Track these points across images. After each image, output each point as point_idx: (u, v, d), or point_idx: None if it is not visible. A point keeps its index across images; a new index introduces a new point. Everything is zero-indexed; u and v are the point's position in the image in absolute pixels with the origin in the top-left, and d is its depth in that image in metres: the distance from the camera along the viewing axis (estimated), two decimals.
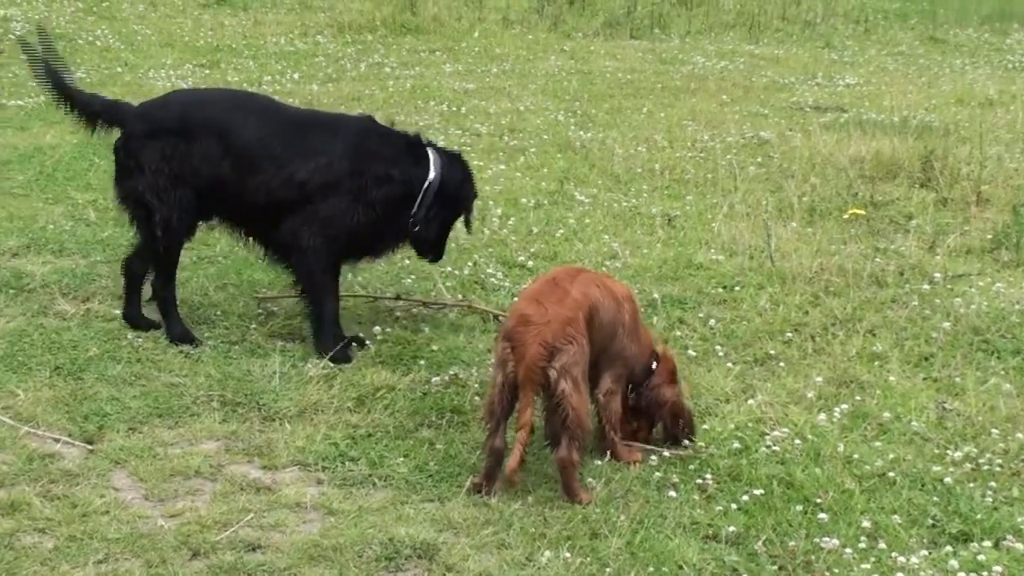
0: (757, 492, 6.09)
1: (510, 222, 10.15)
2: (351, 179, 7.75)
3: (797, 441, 6.59)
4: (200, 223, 8.03)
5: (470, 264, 9.13)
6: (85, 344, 7.62)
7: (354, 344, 7.80)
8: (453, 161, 8.15)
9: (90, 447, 6.46)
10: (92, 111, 8.03)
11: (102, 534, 5.64)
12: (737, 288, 8.80)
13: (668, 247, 9.64)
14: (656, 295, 8.57)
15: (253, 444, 6.58)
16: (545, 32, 19.13)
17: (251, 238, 8.06)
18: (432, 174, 7.96)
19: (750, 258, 9.38)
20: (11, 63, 15.12)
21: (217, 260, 9.10)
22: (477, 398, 7.05)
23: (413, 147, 8.04)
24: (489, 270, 9.04)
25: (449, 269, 8.97)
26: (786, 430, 6.70)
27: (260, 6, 20.22)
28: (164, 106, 8.02)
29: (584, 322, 6.14)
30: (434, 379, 7.32)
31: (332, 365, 7.44)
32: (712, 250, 9.55)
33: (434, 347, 7.73)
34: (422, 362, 7.54)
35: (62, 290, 8.38)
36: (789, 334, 8.05)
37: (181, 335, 7.80)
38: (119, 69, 15.76)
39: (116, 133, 7.96)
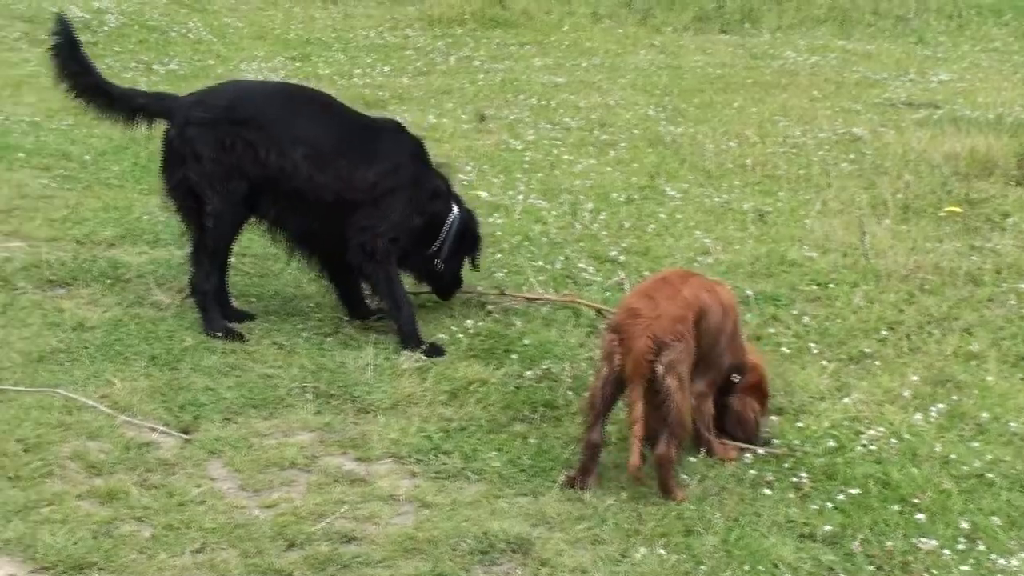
0: (853, 491, 6.03)
1: (601, 217, 10.12)
2: (413, 187, 7.87)
3: (893, 440, 6.52)
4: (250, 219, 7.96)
5: (562, 259, 9.11)
6: (180, 334, 7.67)
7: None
8: (462, 203, 8.23)
9: (186, 437, 6.51)
10: (134, 105, 7.98)
11: (199, 523, 5.68)
12: (831, 285, 8.73)
13: (760, 243, 9.59)
14: (749, 292, 8.51)
15: (347, 436, 6.60)
16: (635, 26, 19.07)
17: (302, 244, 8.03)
18: (455, 211, 8.07)
19: (844, 255, 9.30)
20: (105, 55, 15.24)
21: None
22: (570, 393, 7.05)
23: (441, 178, 8.14)
24: (580, 264, 9.02)
25: (540, 264, 8.96)
26: (882, 429, 6.64)
27: None
28: (222, 94, 7.97)
29: (692, 323, 6.11)
30: (527, 373, 7.31)
31: (425, 359, 7.44)
32: (805, 247, 9.49)
33: (526, 341, 7.72)
34: (514, 356, 7.53)
35: (157, 280, 8.45)
36: (884, 332, 7.97)
37: (223, 329, 7.73)
38: (211, 61, 15.87)
39: (159, 126, 7.92)
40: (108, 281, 8.42)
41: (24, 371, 7.07)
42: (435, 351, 7.59)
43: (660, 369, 5.95)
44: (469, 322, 7.98)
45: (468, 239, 8.18)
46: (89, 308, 8.00)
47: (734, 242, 9.62)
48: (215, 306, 7.83)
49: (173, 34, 17.45)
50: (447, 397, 7.03)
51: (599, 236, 9.68)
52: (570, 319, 8.09)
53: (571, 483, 6.11)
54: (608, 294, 8.44)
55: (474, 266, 8.34)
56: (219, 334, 7.66)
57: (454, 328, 7.90)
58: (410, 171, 7.88)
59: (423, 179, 7.95)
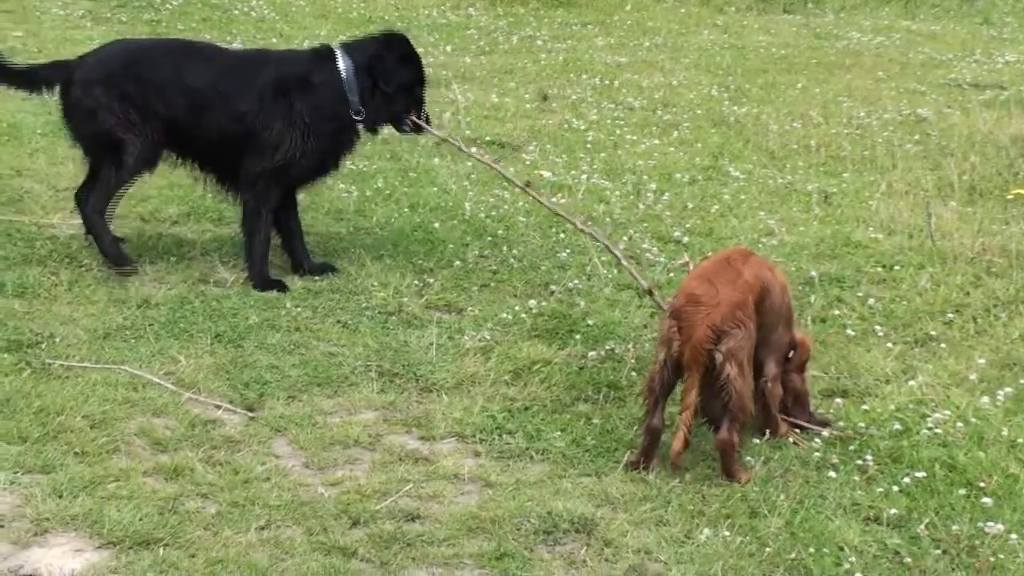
0: (919, 475, 5.99)
1: (664, 197, 10.09)
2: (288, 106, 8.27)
3: (959, 424, 6.47)
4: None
5: (625, 239, 9.08)
6: (245, 312, 7.70)
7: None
8: (353, 50, 8.43)
9: (251, 414, 6.53)
10: (33, 76, 8.50)
11: (264, 500, 5.70)
12: (896, 267, 8.67)
13: (825, 225, 9.54)
14: (813, 273, 8.47)
15: (411, 415, 6.61)
16: (697, 6, 19.01)
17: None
18: (341, 65, 8.31)
19: (909, 237, 9.24)
20: (168, 32, 15.30)
21: (374, 231, 9.13)
22: (633, 374, 7.03)
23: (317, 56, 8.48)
24: (644, 245, 8.99)
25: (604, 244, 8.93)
26: (948, 412, 6.58)
27: None
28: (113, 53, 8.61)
29: (753, 305, 6.07)
30: (590, 354, 7.30)
31: (488, 338, 7.44)
32: (870, 228, 9.42)
33: (590, 322, 7.71)
34: (578, 336, 7.52)
35: (221, 258, 8.48)
36: (950, 315, 7.92)
37: (116, 254, 8.23)
38: (274, 40, 15.87)
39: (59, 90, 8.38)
40: (172, 259, 8.46)
41: (90, 348, 7.11)
42: (276, 285, 8.11)
43: (719, 357, 5.92)
44: (532, 302, 7.97)
45: (382, 76, 8.33)
46: (154, 285, 8.04)
47: (798, 223, 9.57)
48: (109, 234, 8.29)
49: (236, 12, 17.49)
50: (511, 377, 7.03)
51: (662, 217, 9.65)
52: (634, 299, 8.07)
53: (634, 466, 6.10)
54: (671, 275, 8.42)
55: (416, 101, 8.50)
56: (115, 262, 8.18)
57: (517, 308, 7.89)
58: (275, 91, 8.26)
59: (295, 88, 8.28)
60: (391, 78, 8.32)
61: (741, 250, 6.52)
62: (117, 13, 16.46)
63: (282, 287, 8.11)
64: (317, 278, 8.25)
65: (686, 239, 9.15)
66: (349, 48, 8.43)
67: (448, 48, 15.78)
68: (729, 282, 6.07)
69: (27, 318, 7.43)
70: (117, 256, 8.19)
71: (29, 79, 8.49)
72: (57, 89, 8.37)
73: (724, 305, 5.96)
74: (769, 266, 6.44)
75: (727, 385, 5.93)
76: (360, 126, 8.40)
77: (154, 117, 8.19)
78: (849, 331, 7.70)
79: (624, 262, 7.61)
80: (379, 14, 17.75)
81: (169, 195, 9.64)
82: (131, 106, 8.15)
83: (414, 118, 8.45)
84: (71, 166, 10.11)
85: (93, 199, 8.25)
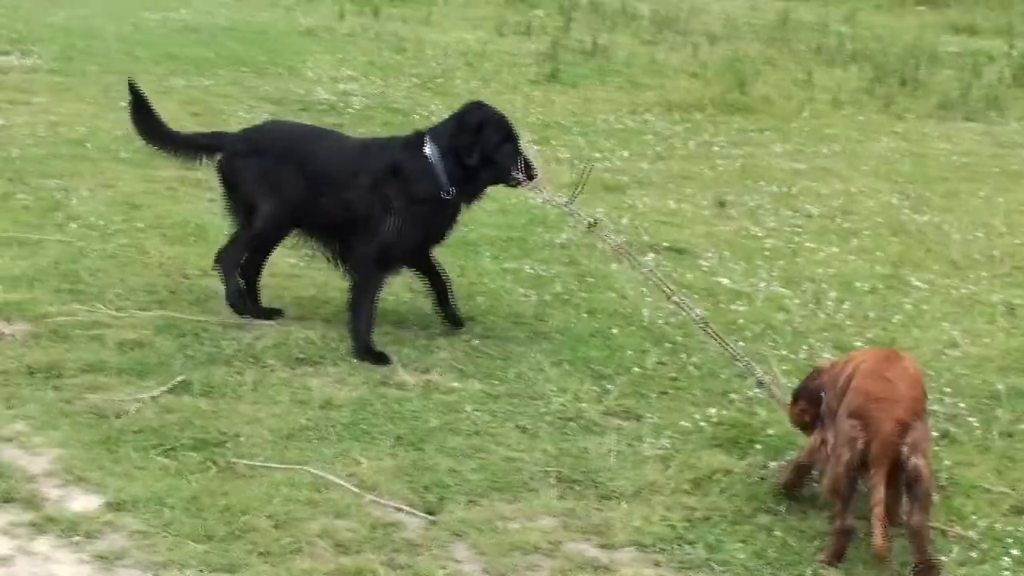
0: None
1: (844, 306, 10.00)
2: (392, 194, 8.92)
3: None
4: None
5: (805, 348, 9.01)
6: (425, 415, 7.76)
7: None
8: (435, 134, 9.07)
9: (431, 518, 6.55)
10: (194, 144, 9.52)
11: None
12: None
13: (1011, 337, 9.38)
14: (1000, 386, 8.33)
15: (590, 522, 6.59)
16: (876, 113, 18.84)
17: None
18: (428, 151, 8.90)
19: None
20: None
21: (552, 336, 9.15)
22: (815, 485, 6.94)
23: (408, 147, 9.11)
24: (825, 355, 8.89)
25: (784, 353, 8.89)
26: None
27: (590, 84, 20.38)
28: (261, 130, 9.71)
29: (924, 399, 6.29)
30: (771, 464, 7.23)
31: (668, 446, 7.41)
32: None
33: (770, 431, 7.64)
34: (758, 446, 7.46)
35: (402, 360, 8.56)
36: None
37: (236, 302, 9.13)
38: None
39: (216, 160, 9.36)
40: (354, 360, 8.55)
41: (274, 448, 7.21)
42: (380, 357, 8.59)
43: (906, 451, 6.02)
44: (712, 410, 7.93)
45: (464, 151, 8.88)
46: (336, 387, 8.13)
47: (983, 335, 9.43)
48: (236, 280, 9.21)
49: (416, 116, 17.71)
50: (690, 486, 6.99)
51: (843, 326, 9.56)
52: None
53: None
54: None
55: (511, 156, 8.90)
56: (232, 305, 9.12)
57: (696, 416, 7.85)
58: (374, 180, 8.93)
59: (390, 177, 8.93)
60: (471, 150, 8.86)
61: (889, 351, 6.77)
62: (300, 116, 16.78)
63: (386, 359, 8.56)
64: (496, 382, 8.29)
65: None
66: (435, 133, 9.06)
67: (625, 153, 15.81)
68: (902, 378, 6.23)
69: (213, 417, 7.56)
70: (237, 303, 9.16)
71: (191, 146, 9.53)
72: (215, 157, 9.38)
73: (905, 400, 6.12)
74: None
75: (917, 477, 6.01)
76: (455, 200, 8.98)
77: (285, 191, 9.03)
78: None
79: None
80: (556, 119, 17.88)
81: None
82: (268, 177, 9.06)
83: (514, 173, 8.87)
84: None
85: (228, 252, 9.26)
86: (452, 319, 9.17)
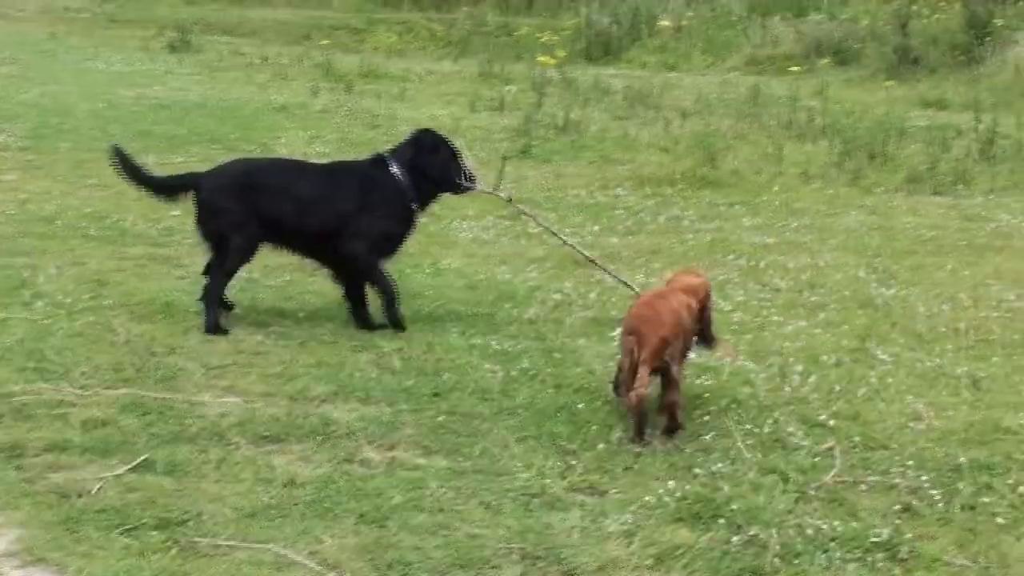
0: None
1: (810, 379, 10.03)
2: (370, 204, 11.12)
3: None
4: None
5: (770, 422, 9.04)
6: (389, 492, 7.76)
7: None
8: (399, 155, 11.19)
9: None
10: (170, 185, 11.09)
11: None
12: None
13: (975, 410, 9.41)
14: (962, 459, 8.36)
15: None
16: (845, 186, 18.95)
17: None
18: (393, 171, 11.02)
19: None
20: None
21: (518, 412, 9.18)
22: (777, 560, 6.97)
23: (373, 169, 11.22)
24: (789, 429, 8.93)
25: (748, 427, 8.91)
26: None
27: (562, 159, 20.53)
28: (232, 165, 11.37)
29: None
30: (734, 539, 7.25)
31: (631, 521, 7.43)
32: (1021, 414, 9.28)
33: (733, 506, 7.65)
34: (721, 521, 7.47)
35: (367, 437, 8.57)
36: None
37: (215, 330, 10.53)
38: (424, 220, 16.12)
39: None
40: (319, 437, 8.56)
41: (237, 527, 7.21)
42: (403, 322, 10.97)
43: (667, 358, 8.64)
44: (672, 483, 7.95)
45: (420, 172, 11.13)
46: (300, 464, 8.14)
47: (947, 408, 9.46)
48: (216, 311, 10.70)
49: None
50: (653, 561, 7.00)
51: (809, 399, 9.59)
52: (778, 484, 8.01)
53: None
54: (817, 459, 8.37)
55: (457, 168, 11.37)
56: (211, 332, 10.50)
57: (660, 491, 7.87)
58: (360, 191, 10.96)
59: (372, 189, 10.96)
60: (431, 166, 11.07)
61: (662, 289, 9.47)
62: None
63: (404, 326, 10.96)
64: (461, 458, 8.31)
65: (832, 423, 9.07)
66: (397, 154, 11.12)
67: (595, 228, 15.88)
68: (665, 309, 8.85)
69: (176, 496, 7.56)
70: (213, 328, 10.53)
71: (167, 187, 11.10)
72: (190, 195, 10.86)
73: (668, 324, 8.70)
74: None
75: (671, 375, 8.69)
76: (417, 210, 11.19)
77: (260, 217, 10.67)
78: (999, 519, 7.57)
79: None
80: (527, 194, 17.94)
81: (317, 374, 9.78)
82: (243, 208, 10.63)
83: (458, 180, 11.22)
84: (224, 344, 10.34)
85: (211, 281, 10.76)
86: (364, 322, 11.02)
